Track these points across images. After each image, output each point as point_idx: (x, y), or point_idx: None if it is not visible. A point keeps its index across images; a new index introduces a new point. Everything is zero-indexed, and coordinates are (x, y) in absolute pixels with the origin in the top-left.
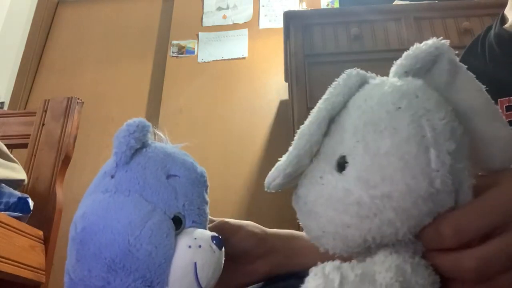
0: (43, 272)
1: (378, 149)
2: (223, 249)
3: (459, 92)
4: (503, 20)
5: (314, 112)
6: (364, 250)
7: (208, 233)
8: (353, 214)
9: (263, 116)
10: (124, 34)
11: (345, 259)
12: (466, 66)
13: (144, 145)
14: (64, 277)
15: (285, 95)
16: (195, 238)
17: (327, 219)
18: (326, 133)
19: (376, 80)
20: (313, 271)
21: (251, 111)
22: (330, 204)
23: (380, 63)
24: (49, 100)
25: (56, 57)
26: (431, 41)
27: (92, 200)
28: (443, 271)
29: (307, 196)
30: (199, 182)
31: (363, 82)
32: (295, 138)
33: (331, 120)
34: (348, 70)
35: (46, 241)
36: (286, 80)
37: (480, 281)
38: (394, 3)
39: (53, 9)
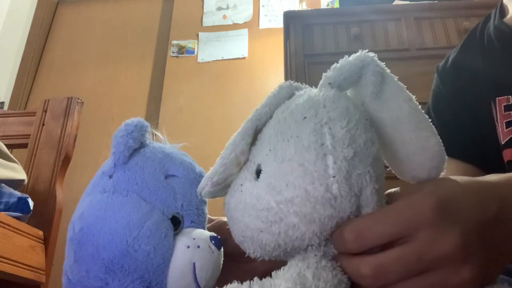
0: (43, 272)
1: (284, 157)
2: (222, 249)
3: (386, 102)
4: (502, 11)
5: (244, 123)
6: (285, 255)
7: (207, 233)
8: (264, 219)
9: None
10: (124, 34)
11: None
12: (396, 77)
13: (142, 145)
14: (62, 278)
15: None
16: (194, 238)
17: (244, 225)
18: (253, 143)
19: (300, 91)
20: (231, 285)
21: (251, 111)
22: (246, 210)
23: None
24: (49, 100)
25: (56, 57)
26: (357, 54)
27: (90, 201)
28: (347, 274)
29: (229, 203)
30: (198, 182)
31: (291, 94)
32: (224, 148)
33: (259, 130)
34: (282, 82)
35: (46, 241)
36: (286, 80)
37: (376, 287)
38: (394, 3)
39: (53, 9)
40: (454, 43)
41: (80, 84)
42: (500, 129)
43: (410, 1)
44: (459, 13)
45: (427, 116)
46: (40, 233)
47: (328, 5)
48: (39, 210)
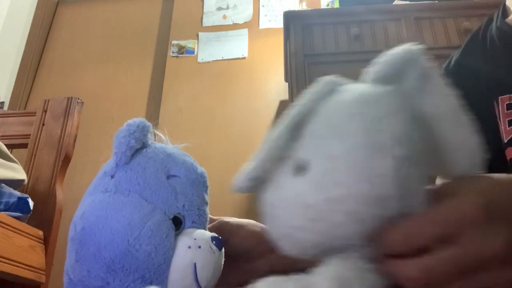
0: (43, 272)
1: (333, 154)
2: (223, 249)
3: (429, 97)
4: (505, 12)
5: (284, 117)
6: (322, 254)
7: (208, 234)
8: (307, 217)
9: (263, 116)
10: (124, 34)
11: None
12: (440, 72)
13: (144, 145)
14: (64, 277)
15: (285, 95)
16: (195, 239)
17: (284, 222)
18: (295, 139)
19: (344, 87)
20: (264, 281)
21: (251, 111)
22: (288, 207)
23: None
24: (49, 100)
25: (56, 57)
26: (402, 47)
27: (92, 200)
28: (390, 277)
29: (267, 200)
30: (199, 183)
31: (334, 89)
32: (262, 143)
33: (301, 126)
34: (322, 77)
35: (46, 241)
36: (286, 80)
37: None
38: (394, 3)
39: (53, 9)
40: (454, 43)
41: (80, 84)
42: (502, 128)
43: (410, 1)
44: (459, 13)
45: (466, 114)
46: (40, 233)
47: (328, 5)
48: (39, 210)
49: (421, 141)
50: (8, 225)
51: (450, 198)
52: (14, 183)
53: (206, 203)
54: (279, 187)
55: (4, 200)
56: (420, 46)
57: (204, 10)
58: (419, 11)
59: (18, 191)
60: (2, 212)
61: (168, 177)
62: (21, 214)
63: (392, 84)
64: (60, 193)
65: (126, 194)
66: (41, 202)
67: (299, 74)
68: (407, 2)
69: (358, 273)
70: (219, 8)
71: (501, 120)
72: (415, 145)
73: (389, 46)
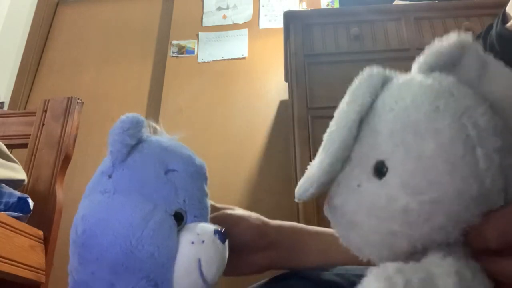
0: (43, 272)
1: (422, 153)
2: (227, 241)
3: (492, 83)
4: (505, 18)
5: (340, 115)
6: (413, 257)
7: (211, 227)
8: (401, 221)
9: (263, 116)
10: (124, 34)
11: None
12: (492, 55)
13: (139, 140)
14: (69, 278)
15: (285, 95)
16: (198, 234)
17: (370, 229)
18: (355, 136)
19: (400, 78)
20: (372, 272)
21: (251, 111)
22: (373, 213)
23: (380, 63)
24: (49, 100)
25: (56, 57)
26: (454, 37)
27: (91, 202)
28: (494, 275)
29: (344, 206)
30: (199, 175)
31: (385, 81)
32: (324, 144)
33: (359, 122)
34: (368, 69)
35: (46, 241)
36: (286, 80)
37: None
38: (394, 3)
39: (53, 9)
40: None
41: (80, 84)
42: None
43: (410, 1)
44: (459, 13)
45: None
46: (40, 233)
47: (328, 5)
48: (39, 210)
49: (504, 126)
50: (8, 225)
51: None
52: (14, 183)
53: (207, 195)
54: (356, 192)
55: (4, 200)
56: (469, 35)
57: (204, 10)
58: (419, 11)
59: (18, 191)
60: (2, 212)
61: (167, 172)
62: (21, 214)
63: (446, 72)
64: (60, 193)
65: (125, 194)
66: (41, 202)
67: (299, 74)
68: (407, 2)
69: (472, 272)
70: (219, 8)
71: None
72: (503, 133)
73: (389, 46)
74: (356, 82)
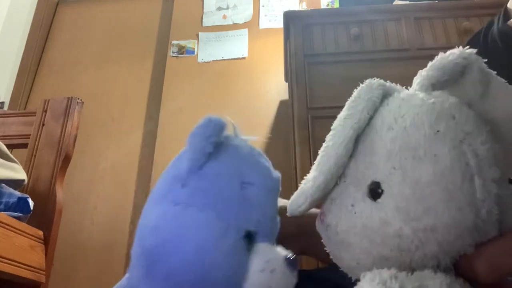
0: (43, 272)
1: (419, 178)
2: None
3: (496, 100)
4: (506, 15)
5: (336, 130)
6: None
7: (281, 255)
8: (393, 247)
9: (263, 116)
10: (124, 34)
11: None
12: (495, 72)
13: (217, 145)
14: (126, 277)
15: (285, 95)
16: (268, 261)
17: (362, 251)
18: (351, 154)
19: (401, 93)
20: (367, 275)
21: (251, 111)
22: (366, 235)
23: (380, 63)
24: (49, 100)
25: (56, 57)
26: (457, 51)
27: (163, 213)
28: None
29: (338, 225)
30: (275, 190)
31: (386, 94)
32: (319, 159)
33: (356, 138)
34: (368, 81)
35: (46, 241)
36: (286, 80)
37: None
38: (394, 3)
39: (53, 9)
40: (454, 43)
41: (80, 84)
42: None
43: (410, 1)
44: (459, 13)
45: None
46: (40, 233)
47: (328, 5)
48: (39, 210)
49: (503, 155)
50: (8, 225)
51: None
52: (14, 183)
53: (277, 211)
54: (349, 212)
55: (4, 200)
56: (472, 50)
57: (204, 10)
58: (419, 11)
59: (18, 191)
60: (2, 212)
61: (242, 185)
62: (21, 214)
63: (448, 89)
64: (60, 193)
65: (199, 209)
66: (41, 202)
67: (299, 74)
68: (407, 2)
69: (462, 287)
70: (219, 8)
71: None
72: (502, 162)
73: (389, 46)
74: (355, 94)
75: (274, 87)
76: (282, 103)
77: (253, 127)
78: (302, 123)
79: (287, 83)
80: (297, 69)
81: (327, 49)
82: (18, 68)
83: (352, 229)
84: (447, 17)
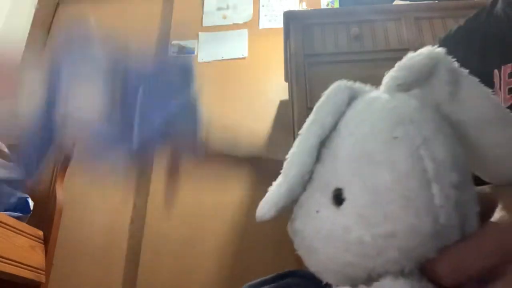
0: (43, 272)
1: (377, 185)
2: None
3: (465, 101)
4: None
5: (302, 136)
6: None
7: None
8: (355, 253)
9: (263, 116)
10: (124, 34)
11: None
12: (467, 70)
13: None
14: None
15: (285, 95)
16: None
17: (327, 257)
18: (317, 158)
19: (366, 96)
20: None
21: (251, 111)
22: (330, 241)
23: (380, 63)
24: None
25: None
26: (425, 50)
27: None
28: None
29: (304, 231)
30: None
31: (352, 97)
32: (285, 165)
33: (322, 144)
34: (336, 84)
35: (46, 241)
36: (286, 80)
37: None
38: (394, 3)
39: (53, 9)
40: None
41: None
42: (502, 95)
43: (410, 1)
44: (459, 13)
45: (508, 110)
46: (40, 233)
47: (328, 5)
48: (39, 210)
49: (465, 157)
50: (8, 225)
51: (494, 224)
52: (14, 183)
53: None
54: (314, 218)
55: (4, 200)
56: (442, 49)
57: (204, 10)
58: (419, 11)
59: (18, 191)
60: (2, 212)
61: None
62: (21, 214)
63: (415, 89)
64: (60, 193)
65: None
66: (41, 202)
67: (299, 74)
68: (407, 2)
69: None
70: (219, 8)
71: (502, 88)
72: (465, 165)
73: (389, 46)
74: (322, 97)
75: (274, 87)
76: (282, 103)
77: (253, 127)
78: (302, 123)
79: (287, 83)
80: (297, 69)
81: (327, 49)
82: None
83: (317, 235)
84: (447, 17)
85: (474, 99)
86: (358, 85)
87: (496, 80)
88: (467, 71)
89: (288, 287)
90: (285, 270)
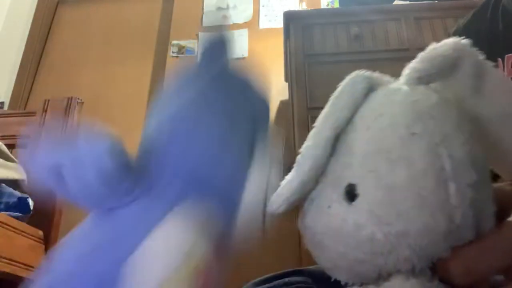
0: None
1: (392, 182)
2: None
3: (489, 95)
4: None
5: (317, 129)
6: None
7: None
8: (366, 250)
9: None
10: (124, 34)
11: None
12: (493, 64)
13: None
14: None
15: (285, 95)
16: None
17: (338, 253)
18: (331, 152)
19: (385, 87)
20: None
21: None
22: (341, 238)
23: (380, 63)
24: (49, 100)
25: (56, 57)
26: (450, 41)
27: None
28: None
29: (315, 227)
30: None
31: (371, 88)
32: (298, 158)
33: (336, 137)
34: (354, 74)
35: (46, 241)
36: (286, 80)
37: None
38: (394, 3)
39: (53, 9)
40: None
41: (80, 84)
42: None
43: (410, 1)
44: (459, 13)
45: None
46: (40, 233)
47: (328, 5)
48: (39, 210)
49: (484, 156)
50: (8, 225)
51: (510, 222)
52: (14, 183)
53: None
54: (326, 213)
55: (4, 200)
56: (467, 41)
57: (204, 10)
58: (419, 11)
59: (18, 191)
60: (2, 212)
61: None
62: (21, 214)
63: (437, 82)
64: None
65: None
66: (41, 202)
67: (299, 74)
68: (407, 2)
69: None
70: (219, 8)
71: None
72: (484, 165)
73: (389, 46)
74: (338, 89)
75: (274, 87)
76: (282, 103)
77: None
78: (302, 123)
79: (287, 83)
80: (297, 69)
81: (327, 49)
82: (18, 68)
83: (328, 231)
84: (447, 17)
85: (499, 93)
86: (376, 75)
87: (499, 68)
88: (493, 64)
89: (294, 284)
90: (286, 270)
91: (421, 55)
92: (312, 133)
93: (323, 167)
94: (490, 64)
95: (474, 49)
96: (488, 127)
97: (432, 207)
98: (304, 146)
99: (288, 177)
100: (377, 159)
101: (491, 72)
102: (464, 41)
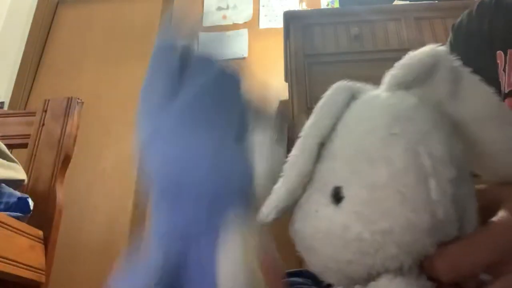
0: (43, 272)
1: (374, 182)
2: None
3: (465, 100)
4: None
5: (302, 138)
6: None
7: None
8: (354, 250)
9: None
10: (124, 34)
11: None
12: (469, 69)
13: None
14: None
15: (285, 95)
16: None
17: (327, 256)
18: (317, 159)
19: (366, 95)
20: None
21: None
22: (329, 240)
23: (380, 63)
24: (49, 100)
25: (56, 57)
26: (426, 49)
27: None
28: None
29: (304, 231)
30: None
31: (352, 98)
32: (285, 167)
33: (321, 144)
34: (336, 84)
35: (46, 241)
36: (286, 80)
37: None
38: (394, 3)
39: (53, 9)
40: None
41: (80, 84)
42: (506, 78)
43: (410, 1)
44: (459, 13)
45: (509, 110)
46: (40, 233)
47: (328, 5)
48: (39, 210)
49: (464, 155)
50: (8, 225)
51: (494, 221)
52: (14, 183)
53: None
54: (314, 217)
55: (4, 200)
56: (442, 48)
57: (204, 10)
58: (419, 11)
59: (18, 191)
60: (2, 212)
61: None
62: (21, 214)
63: (416, 87)
64: (60, 193)
65: None
66: (41, 202)
67: (299, 74)
68: (407, 2)
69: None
70: (219, 8)
71: (506, 70)
72: (460, 161)
73: (389, 46)
74: (322, 99)
75: (274, 87)
76: (282, 103)
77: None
78: (302, 123)
79: (287, 83)
80: (297, 69)
81: (327, 49)
82: (18, 68)
83: (317, 234)
84: (447, 17)
85: (475, 97)
86: (358, 85)
87: (500, 61)
88: (469, 69)
89: (294, 285)
90: (286, 270)
91: (400, 62)
92: (298, 142)
93: (310, 175)
94: (466, 69)
95: (450, 56)
96: (465, 130)
97: (414, 203)
98: (290, 155)
99: (276, 185)
100: (359, 161)
101: (467, 77)
102: (440, 48)
